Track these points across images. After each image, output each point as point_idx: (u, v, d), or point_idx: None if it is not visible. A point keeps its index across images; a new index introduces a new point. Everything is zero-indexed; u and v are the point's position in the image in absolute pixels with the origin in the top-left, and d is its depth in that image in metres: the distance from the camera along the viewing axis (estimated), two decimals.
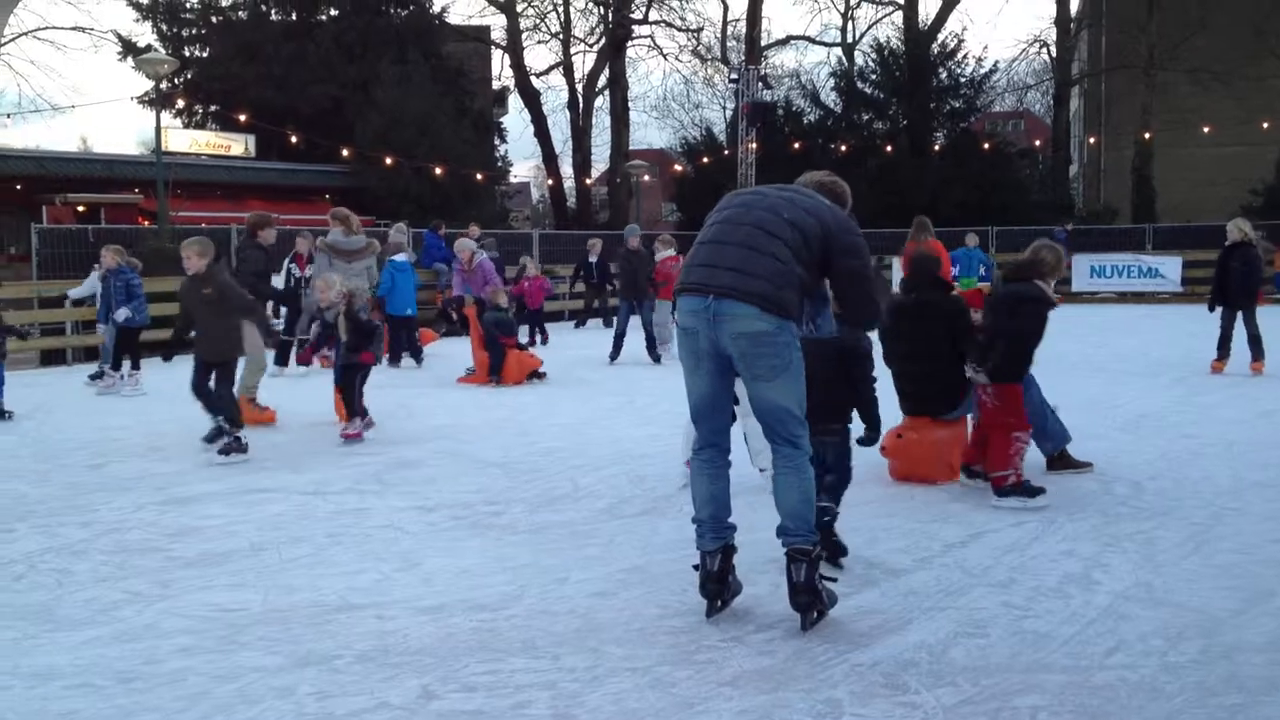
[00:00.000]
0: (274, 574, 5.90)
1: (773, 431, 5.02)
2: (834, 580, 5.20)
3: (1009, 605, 5.21)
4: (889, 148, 36.80)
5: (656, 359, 15.63)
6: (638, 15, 46.36)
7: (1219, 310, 13.28)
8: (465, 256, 16.12)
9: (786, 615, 5.06)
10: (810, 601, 4.96)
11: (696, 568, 5.22)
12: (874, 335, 6.23)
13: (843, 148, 37.14)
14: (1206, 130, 36.47)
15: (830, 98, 42.28)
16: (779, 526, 5.04)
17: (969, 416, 7.90)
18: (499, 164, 41.74)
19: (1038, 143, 43.98)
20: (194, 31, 39.61)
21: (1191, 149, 38.12)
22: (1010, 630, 4.88)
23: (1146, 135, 37.38)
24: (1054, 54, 43.03)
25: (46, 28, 48.18)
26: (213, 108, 37.98)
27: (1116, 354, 15.35)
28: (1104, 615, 5.06)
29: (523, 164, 60.29)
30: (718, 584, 5.14)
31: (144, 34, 39.06)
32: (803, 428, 5.01)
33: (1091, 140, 44.67)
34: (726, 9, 50.22)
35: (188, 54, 38.49)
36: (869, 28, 48.77)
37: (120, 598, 5.51)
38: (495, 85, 47.65)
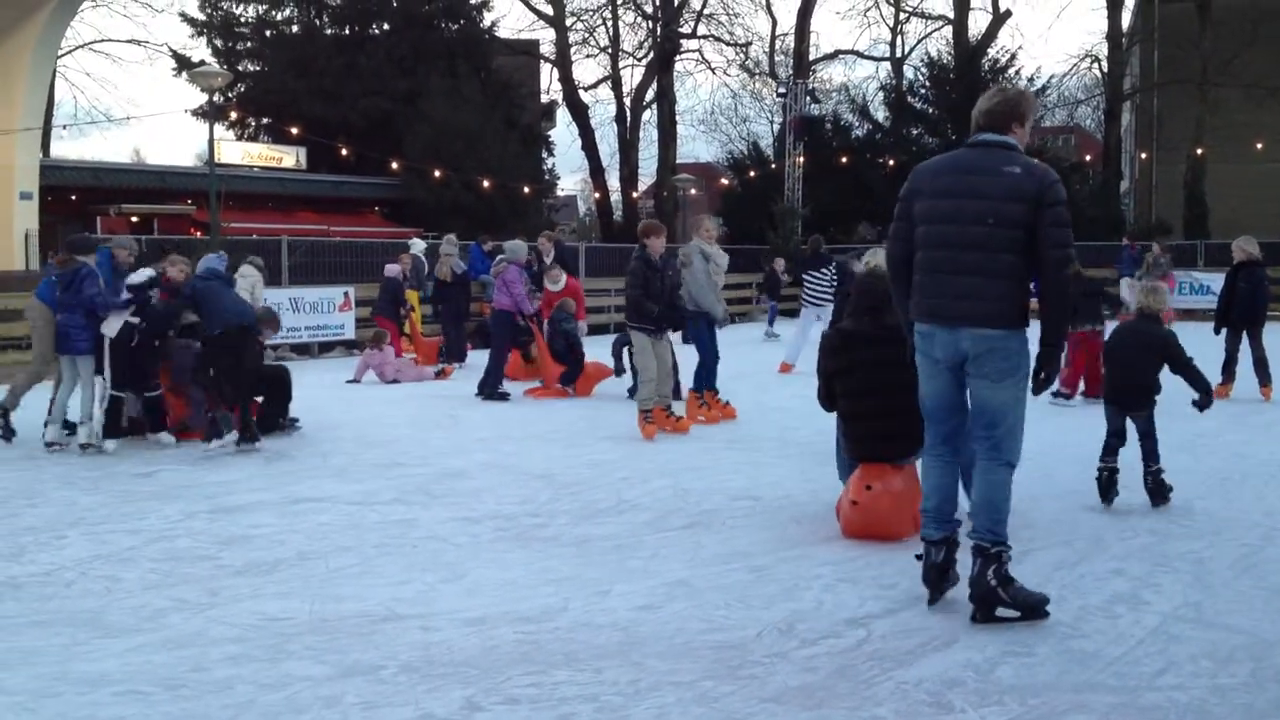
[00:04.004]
0: (321, 584, 5.93)
1: (982, 430, 5.25)
2: (1011, 581, 5.24)
3: (1056, 624, 5.15)
4: None
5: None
6: (686, 30, 46.45)
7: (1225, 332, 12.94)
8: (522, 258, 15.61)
9: (831, 631, 5.04)
10: (982, 596, 5.16)
11: (919, 558, 5.46)
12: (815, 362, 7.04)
13: (890, 163, 37.00)
14: (1259, 145, 36.02)
15: (879, 112, 42.20)
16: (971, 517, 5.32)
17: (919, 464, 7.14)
18: (546, 177, 41.95)
19: (1089, 158, 43.63)
20: (247, 45, 40.12)
21: (1244, 164, 37.60)
22: (1058, 649, 4.83)
23: (1199, 150, 36.97)
24: (1105, 69, 42.66)
25: (103, 40, 49.08)
26: (265, 120, 38.43)
27: (1166, 372, 15.13)
28: (1153, 635, 5.00)
29: (570, 177, 60.70)
30: (940, 575, 5.40)
31: (198, 48, 39.66)
32: (1010, 436, 5.21)
33: (1143, 155, 44.17)
34: (775, 23, 50.60)
35: (241, 68, 38.97)
36: (918, 42, 48.60)
37: (168, 605, 5.56)
38: (544, 99, 47.87)
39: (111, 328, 10.00)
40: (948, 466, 5.45)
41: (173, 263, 10.87)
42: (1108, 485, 7.50)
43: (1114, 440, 7.59)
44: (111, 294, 10.17)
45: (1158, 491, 7.52)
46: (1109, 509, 7.41)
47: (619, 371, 14.44)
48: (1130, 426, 7.67)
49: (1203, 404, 7.62)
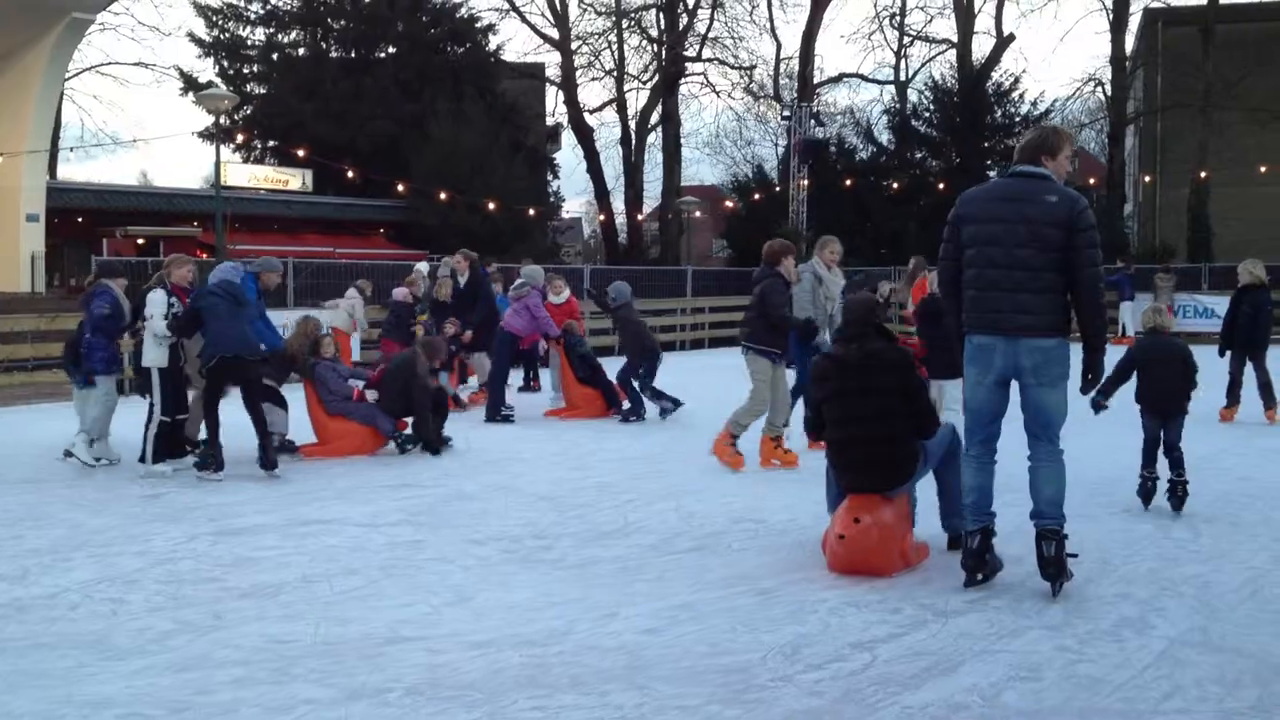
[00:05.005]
0: (326, 606, 5.93)
1: (1041, 430, 5.97)
2: (1075, 556, 6.02)
3: (1063, 648, 5.14)
4: (942, 186, 36.68)
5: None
6: (691, 53, 46.63)
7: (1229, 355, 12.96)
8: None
9: (836, 655, 5.03)
10: (1056, 573, 5.91)
11: (956, 546, 6.33)
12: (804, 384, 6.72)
13: (894, 185, 37.07)
14: (1263, 169, 36.08)
15: (883, 135, 42.29)
16: (1034, 510, 5.99)
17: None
18: (551, 199, 42.06)
19: (1092, 181, 43.68)
20: (255, 68, 40.32)
21: (1247, 188, 37.69)
22: (1064, 674, 4.82)
23: (1202, 174, 37.03)
24: (1109, 92, 42.79)
25: (110, 63, 49.26)
26: (272, 143, 38.58)
27: None
28: (1159, 660, 4.99)
29: (575, 199, 60.74)
30: (975, 560, 6.07)
31: (205, 70, 39.91)
32: (1061, 428, 5.98)
33: (1147, 179, 44.28)
34: (779, 47, 50.61)
35: (248, 90, 39.16)
36: (922, 65, 48.70)
37: (173, 628, 5.56)
38: (549, 121, 48.07)
39: (156, 358, 9.99)
40: (986, 467, 6.13)
41: (179, 264, 10.53)
42: (1151, 492, 8.17)
43: (1152, 448, 8.21)
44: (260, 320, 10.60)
45: (1180, 501, 8.09)
46: (1114, 531, 7.40)
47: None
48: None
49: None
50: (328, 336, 11.82)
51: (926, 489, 6.92)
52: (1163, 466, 8.22)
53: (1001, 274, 5.88)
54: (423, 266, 20.53)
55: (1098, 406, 8.05)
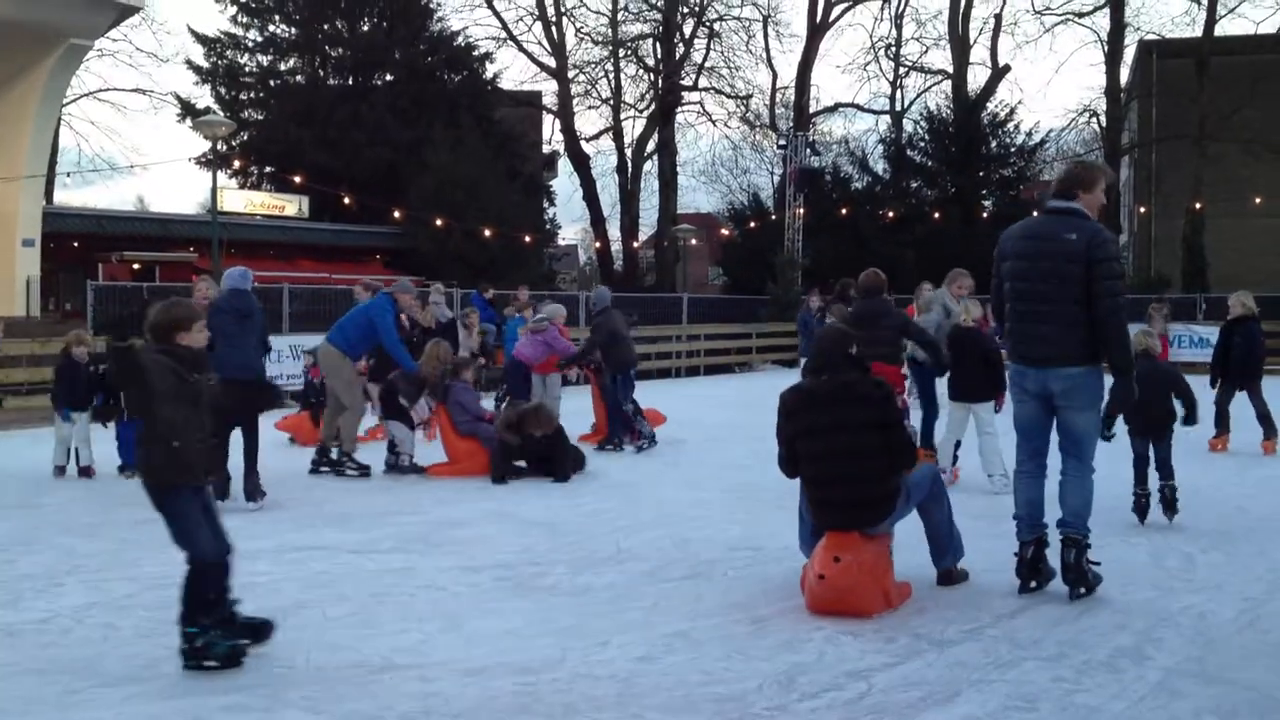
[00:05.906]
0: (318, 633, 5.90)
1: (1071, 448, 6.47)
2: (1098, 564, 6.50)
3: (1059, 679, 5.12)
4: (937, 215, 36.74)
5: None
6: (687, 82, 46.82)
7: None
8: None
9: (832, 684, 5.01)
10: (1077, 579, 6.38)
11: (1016, 554, 6.58)
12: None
13: (890, 214, 37.16)
14: (1258, 200, 36.19)
15: (879, 165, 42.43)
16: (1059, 519, 6.43)
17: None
18: (547, 226, 42.11)
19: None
20: (252, 95, 40.41)
21: (1242, 219, 37.79)
22: (1060, 705, 4.80)
23: (1197, 205, 37.14)
24: (1104, 124, 42.93)
25: (108, 89, 49.36)
26: (268, 169, 38.62)
27: None
28: (1156, 691, 4.97)
29: (571, 227, 60.89)
30: (1030, 568, 6.53)
31: (203, 96, 39.98)
32: (1091, 449, 6.47)
33: (1142, 210, 44.39)
34: (775, 76, 50.81)
35: (245, 116, 39.23)
36: (917, 96, 48.95)
37: (165, 654, 5.51)
38: (545, 149, 48.20)
39: None
40: (1035, 481, 6.59)
41: (198, 283, 10.62)
42: (1145, 508, 8.62)
43: (1142, 465, 8.70)
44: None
45: (1171, 504, 8.58)
46: (1110, 561, 7.38)
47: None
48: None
49: (1190, 420, 8.76)
50: (475, 363, 11.94)
51: (910, 526, 6.86)
52: (1152, 477, 8.71)
53: (1028, 307, 6.41)
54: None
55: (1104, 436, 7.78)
